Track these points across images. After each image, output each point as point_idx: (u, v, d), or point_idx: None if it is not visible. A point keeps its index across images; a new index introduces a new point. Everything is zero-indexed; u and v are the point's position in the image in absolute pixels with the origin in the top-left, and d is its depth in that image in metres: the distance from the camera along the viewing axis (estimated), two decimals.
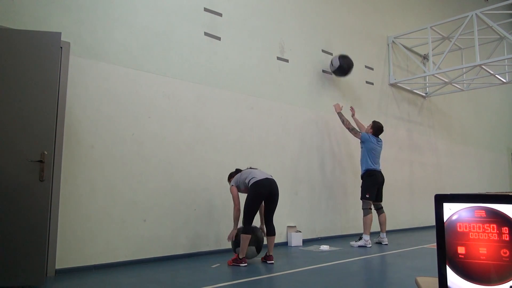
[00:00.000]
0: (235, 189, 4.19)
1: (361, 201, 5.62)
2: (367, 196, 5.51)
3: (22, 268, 2.93)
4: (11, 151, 3.01)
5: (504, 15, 11.07)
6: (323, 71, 6.49)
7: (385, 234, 5.74)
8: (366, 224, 5.44)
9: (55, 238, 3.50)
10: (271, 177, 4.17)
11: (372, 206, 5.63)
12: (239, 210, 4.11)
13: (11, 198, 2.97)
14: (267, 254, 4.17)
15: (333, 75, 6.50)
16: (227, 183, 4.48)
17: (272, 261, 4.13)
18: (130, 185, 4.07)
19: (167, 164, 4.38)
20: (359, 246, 5.35)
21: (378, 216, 5.73)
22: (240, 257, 3.96)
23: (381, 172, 5.71)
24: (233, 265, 3.96)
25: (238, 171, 4.41)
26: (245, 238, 3.95)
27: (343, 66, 6.25)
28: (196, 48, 4.82)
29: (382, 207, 5.73)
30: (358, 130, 6.00)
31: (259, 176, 4.08)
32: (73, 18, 3.84)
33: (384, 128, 5.88)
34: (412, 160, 8.19)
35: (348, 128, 5.96)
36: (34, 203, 3.01)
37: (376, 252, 5.00)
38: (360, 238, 5.45)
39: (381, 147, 5.79)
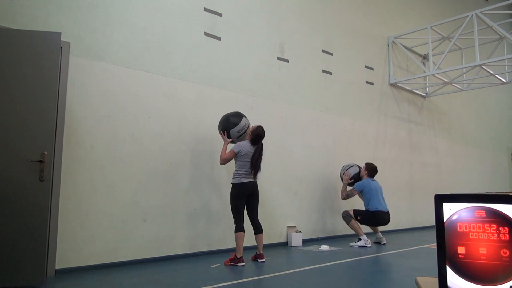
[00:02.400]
0: (231, 155, 4.16)
1: (345, 210, 5.68)
2: (359, 218, 5.54)
3: (22, 268, 2.93)
4: (11, 151, 3.02)
5: (504, 15, 11.07)
6: (323, 71, 6.49)
7: (380, 233, 5.75)
8: (355, 228, 5.50)
9: (55, 238, 3.50)
10: (254, 181, 4.21)
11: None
12: (221, 163, 4.24)
13: (11, 198, 2.97)
14: (257, 253, 4.21)
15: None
16: (227, 182, 4.47)
17: (263, 259, 4.16)
18: (130, 185, 4.07)
19: (167, 164, 4.38)
20: (360, 246, 5.35)
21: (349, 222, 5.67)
22: (238, 256, 3.97)
23: (388, 214, 5.61)
24: (230, 265, 3.97)
25: (255, 133, 4.23)
26: (239, 236, 4.00)
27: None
28: (196, 48, 4.82)
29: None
30: (349, 191, 5.89)
31: (244, 178, 4.11)
32: (73, 18, 3.84)
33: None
34: (412, 160, 8.19)
35: (345, 198, 5.91)
36: (34, 203, 3.02)
37: (376, 252, 5.00)
38: (360, 239, 5.46)
39: (380, 186, 5.76)
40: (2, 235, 2.92)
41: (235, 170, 4.18)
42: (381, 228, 5.91)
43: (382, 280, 3.50)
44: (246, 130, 4.37)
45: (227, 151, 4.22)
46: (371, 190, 5.60)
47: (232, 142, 4.39)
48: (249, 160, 4.14)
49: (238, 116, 4.40)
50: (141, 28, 4.33)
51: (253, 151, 4.17)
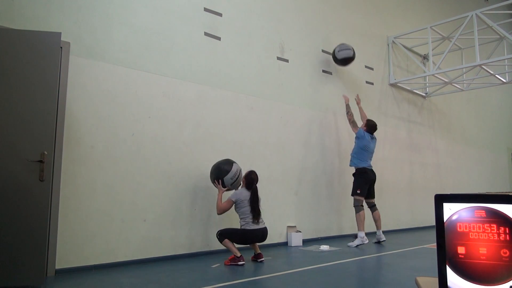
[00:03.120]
0: (228, 205, 4.18)
1: (352, 198, 5.65)
2: (358, 192, 5.55)
3: (22, 268, 2.93)
4: (11, 151, 3.01)
5: (504, 15, 11.07)
6: (323, 71, 6.49)
7: (381, 231, 5.75)
8: (359, 220, 5.48)
9: (55, 238, 3.50)
10: (264, 227, 4.21)
11: (365, 204, 5.66)
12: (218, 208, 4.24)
13: (11, 198, 2.97)
14: (255, 253, 4.24)
15: (335, 62, 6.52)
16: None
17: (263, 259, 4.19)
18: (130, 185, 4.07)
19: (167, 164, 4.38)
20: (357, 246, 5.33)
21: (372, 213, 5.75)
22: (238, 255, 3.98)
23: (372, 169, 5.75)
24: (230, 264, 3.97)
25: (248, 178, 4.29)
26: (228, 241, 4.04)
27: (345, 61, 6.37)
28: (196, 48, 4.82)
29: (375, 205, 5.77)
30: (357, 125, 6.01)
31: (252, 225, 4.11)
32: (73, 18, 3.84)
33: (379, 127, 5.96)
34: (412, 160, 8.19)
35: (349, 120, 6.02)
36: (34, 203, 3.01)
37: (376, 252, 5.00)
38: (356, 237, 5.44)
39: (374, 144, 5.87)
40: (2, 235, 2.92)
41: (240, 219, 4.18)
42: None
43: (382, 280, 3.50)
44: (239, 175, 4.36)
45: (223, 201, 4.21)
46: (365, 147, 5.69)
47: (228, 190, 4.36)
48: (249, 205, 4.16)
49: (229, 163, 4.36)
50: (141, 28, 4.33)
51: (249, 196, 4.20)
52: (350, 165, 5.82)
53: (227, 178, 4.27)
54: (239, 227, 4.18)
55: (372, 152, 5.82)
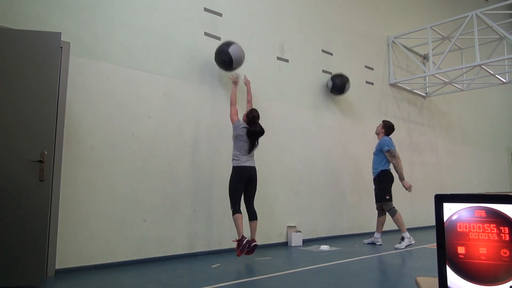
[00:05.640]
0: (234, 110, 4.43)
1: (377, 204, 5.58)
2: (387, 197, 5.45)
3: (22, 268, 2.93)
4: (11, 151, 3.02)
5: (504, 15, 11.07)
6: (323, 71, 6.48)
7: (380, 234, 5.70)
8: (399, 222, 5.38)
9: (55, 238, 3.50)
10: (253, 166, 4.31)
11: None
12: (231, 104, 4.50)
13: (11, 198, 2.97)
14: (249, 238, 4.20)
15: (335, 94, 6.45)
16: (227, 183, 4.45)
17: (256, 243, 4.17)
18: (130, 185, 4.07)
19: (167, 164, 4.38)
20: (406, 247, 5.26)
21: (379, 216, 5.69)
22: (238, 238, 4.07)
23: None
24: (240, 250, 4.02)
25: (250, 117, 4.38)
26: (237, 218, 4.09)
27: (337, 85, 6.22)
28: (196, 48, 4.82)
29: (384, 209, 5.68)
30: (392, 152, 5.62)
31: (243, 161, 4.21)
32: (73, 18, 3.84)
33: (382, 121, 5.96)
34: (412, 160, 8.19)
35: (394, 159, 5.60)
36: (34, 203, 3.01)
37: (376, 252, 5.00)
38: (402, 239, 5.36)
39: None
40: (2, 235, 2.92)
41: (233, 151, 4.27)
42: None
43: (382, 280, 3.50)
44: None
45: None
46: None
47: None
48: (246, 140, 4.24)
49: (226, 44, 4.68)
50: (141, 28, 4.33)
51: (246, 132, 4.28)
52: (376, 176, 5.61)
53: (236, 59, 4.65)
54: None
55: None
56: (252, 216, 4.27)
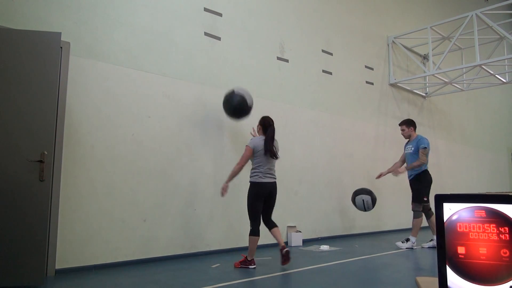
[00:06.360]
0: (250, 151, 3.94)
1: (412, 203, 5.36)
2: (425, 199, 5.26)
3: (22, 268, 2.93)
4: (11, 151, 3.02)
5: (504, 15, 11.07)
6: (323, 71, 6.49)
7: (435, 237, 5.45)
8: (416, 227, 5.28)
9: (55, 238, 3.50)
10: (274, 181, 4.03)
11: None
12: (241, 168, 3.97)
13: (11, 198, 2.97)
14: (280, 246, 3.87)
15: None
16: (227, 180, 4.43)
17: (287, 249, 3.85)
18: (130, 185, 4.07)
19: (167, 164, 4.38)
20: (406, 248, 5.24)
21: (429, 218, 5.40)
22: (249, 258, 3.84)
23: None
24: (241, 267, 3.84)
25: (264, 125, 4.08)
26: (254, 240, 3.82)
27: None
28: (196, 48, 4.82)
29: (431, 209, 5.40)
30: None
31: (264, 177, 3.92)
32: (73, 18, 3.84)
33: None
34: None
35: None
36: (34, 203, 3.02)
37: (376, 252, 4.99)
38: (407, 240, 5.32)
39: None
40: (2, 235, 2.92)
41: (253, 168, 3.98)
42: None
43: (382, 280, 3.50)
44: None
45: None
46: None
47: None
48: (265, 155, 3.94)
49: (234, 94, 4.43)
50: (141, 28, 4.33)
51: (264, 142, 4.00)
52: (417, 175, 5.36)
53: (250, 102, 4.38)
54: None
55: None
56: (272, 225, 4.02)
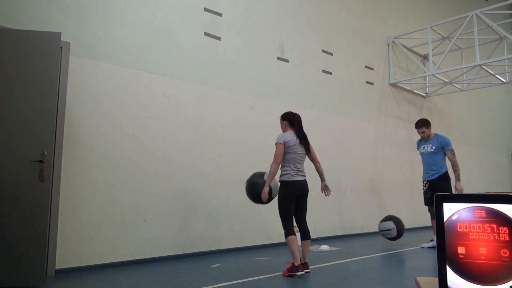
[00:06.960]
0: (281, 147, 3.66)
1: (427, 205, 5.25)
2: None
3: (22, 268, 2.93)
4: (11, 151, 3.02)
5: (504, 15, 11.07)
6: (323, 71, 6.49)
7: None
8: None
9: (55, 238, 3.51)
10: (305, 179, 3.81)
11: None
12: (278, 165, 3.69)
13: (11, 198, 2.97)
14: (302, 262, 3.61)
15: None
16: (227, 183, 4.45)
17: (309, 270, 3.63)
18: (130, 185, 4.07)
19: (167, 164, 4.38)
20: (429, 248, 5.26)
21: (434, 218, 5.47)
22: (296, 264, 3.49)
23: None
24: (289, 275, 3.49)
25: (289, 118, 3.88)
26: (292, 240, 3.55)
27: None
28: (196, 48, 4.82)
29: None
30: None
31: (295, 175, 3.69)
32: (73, 18, 3.84)
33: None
34: (412, 160, 8.18)
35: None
36: (34, 203, 3.02)
37: (376, 252, 4.99)
38: (431, 240, 5.36)
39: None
40: (2, 235, 2.92)
41: (282, 166, 3.72)
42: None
43: (382, 280, 3.49)
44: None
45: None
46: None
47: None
48: (297, 152, 3.72)
49: (257, 176, 3.92)
50: (141, 28, 4.33)
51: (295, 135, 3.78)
52: (440, 176, 5.26)
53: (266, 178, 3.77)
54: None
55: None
56: (305, 235, 3.74)
